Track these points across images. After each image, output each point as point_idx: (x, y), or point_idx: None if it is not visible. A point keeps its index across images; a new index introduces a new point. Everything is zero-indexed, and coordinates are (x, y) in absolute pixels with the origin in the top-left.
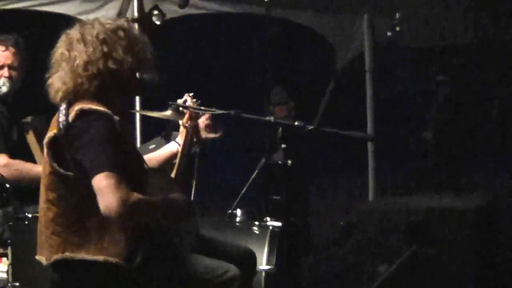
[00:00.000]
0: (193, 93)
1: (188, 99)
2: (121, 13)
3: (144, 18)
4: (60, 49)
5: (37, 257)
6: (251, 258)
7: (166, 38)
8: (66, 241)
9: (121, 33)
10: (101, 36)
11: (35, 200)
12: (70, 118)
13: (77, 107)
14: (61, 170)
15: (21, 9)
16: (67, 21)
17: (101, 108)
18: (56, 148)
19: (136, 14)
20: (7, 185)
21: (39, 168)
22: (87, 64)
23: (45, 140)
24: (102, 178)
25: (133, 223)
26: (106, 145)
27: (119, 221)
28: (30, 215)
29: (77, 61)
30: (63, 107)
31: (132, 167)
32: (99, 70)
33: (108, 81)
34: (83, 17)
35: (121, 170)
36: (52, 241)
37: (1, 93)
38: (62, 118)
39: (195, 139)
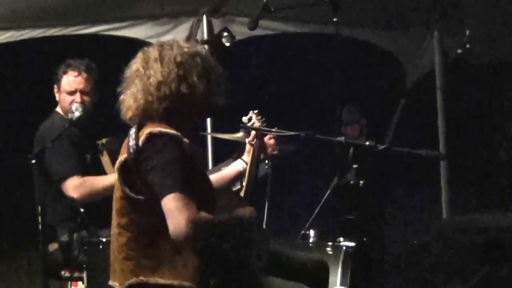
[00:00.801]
0: (259, 111)
1: (253, 116)
2: (191, 35)
3: (213, 40)
4: (135, 65)
5: (110, 282)
6: (324, 269)
7: (235, 59)
8: (139, 266)
9: (198, 59)
10: (178, 59)
11: (109, 224)
12: (140, 142)
13: (146, 130)
14: (132, 195)
15: (92, 34)
16: (137, 45)
17: (170, 131)
18: (127, 173)
19: (205, 36)
20: (82, 209)
21: (109, 178)
22: (160, 84)
23: (116, 165)
24: (170, 200)
25: (203, 244)
26: (174, 167)
27: (188, 242)
28: (104, 239)
29: (151, 80)
30: (132, 131)
31: (201, 189)
32: (171, 92)
33: (177, 104)
34: (153, 41)
35: (190, 192)
36: (125, 266)
37: (74, 118)
38: (132, 142)
39: (261, 157)
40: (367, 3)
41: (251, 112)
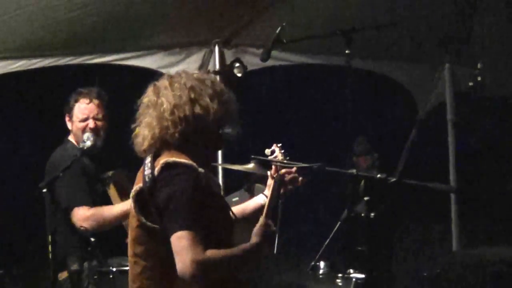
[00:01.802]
0: (280, 144)
1: (276, 149)
2: (202, 66)
3: (225, 70)
4: (147, 98)
5: None
6: None
7: (247, 90)
8: None
9: (208, 82)
10: (188, 84)
11: (118, 253)
12: (156, 171)
13: (162, 160)
14: (148, 223)
15: (104, 63)
16: (149, 76)
17: (185, 161)
18: (143, 202)
19: (217, 66)
20: (92, 239)
21: (117, 208)
22: (174, 108)
23: (132, 193)
24: (179, 238)
25: (213, 280)
26: (187, 201)
27: (193, 282)
28: (114, 269)
29: (164, 106)
30: (148, 160)
31: (218, 219)
32: (185, 115)
33: (193, 128)
34: (164, 71)
35: (201, 227)
36: None
37: (86, 147)
38: (147, 171)
39: (282, 191)
40: (379, 35)
41: (274, 145)
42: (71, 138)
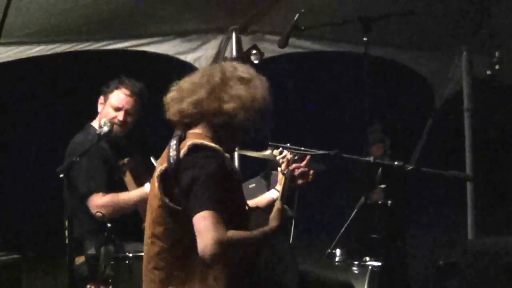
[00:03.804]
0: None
1: (284, 151)
2: (219, 53)
3: (242, 57)
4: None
5: None
6: None
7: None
8: (170, 276)
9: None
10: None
11: (133, 239)
12: (182, 153)
13: (189, 142)
14: (171, 204)
15: (121, 49)
16: (166, 62)
17: (212, 145)
18: (167, 182)
19: (234, 53)
20: (109, 224)
21: (133, 194)
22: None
23: (156, 173)
24: (202, 217)
25: (234, 261)
26: (212, 182)
27: (213, 262)
28: (130, 254)
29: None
30: (173, 142)
31: (236, 204)
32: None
33: (228, 119)
34: (182, 57)
35: (223, 209)
36: (153, 275)
37: (102, 133)
38: (173, 152)
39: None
40: (396, 23)
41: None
42: (94, 123)
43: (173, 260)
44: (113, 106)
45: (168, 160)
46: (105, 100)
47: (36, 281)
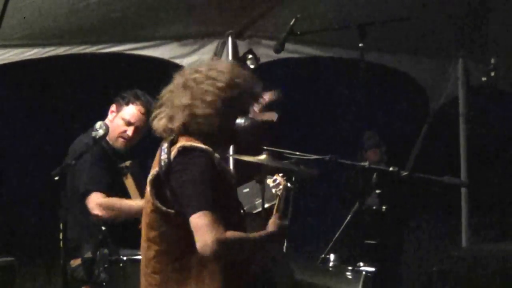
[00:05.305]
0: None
1: (278, 177)
2: (215, 57)
3: (238, 62)
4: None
5: None
6: None
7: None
8: (168, 279)
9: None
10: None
11: (129, 245)
12: (172, 155)
13: (178, 144)
14: (163, 208)
15: (117, 53)
16: (161, 66)
17: (202, 146)
18: (159, 186)
19: (230, 57)
20: (103, 228)
21: (133, 202)
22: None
23: (149, 178)
24: (199, 217)
25: (230, 260)
26: (204, 184)
27: (214, 260)
28: (125, 258)
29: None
30: (165, 145)
31: (230, 205)
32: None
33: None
34: (177, 61)
35: (217, 207)
36: (152, 279)
37: (97, 136)
38: (164, 156)
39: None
40: (392, 29)
41: (276, 175)
42: None
43: (169, 263)
44: (125, 119)
45: (160, 164)
46: (118, 111)
47: (31, 284)
